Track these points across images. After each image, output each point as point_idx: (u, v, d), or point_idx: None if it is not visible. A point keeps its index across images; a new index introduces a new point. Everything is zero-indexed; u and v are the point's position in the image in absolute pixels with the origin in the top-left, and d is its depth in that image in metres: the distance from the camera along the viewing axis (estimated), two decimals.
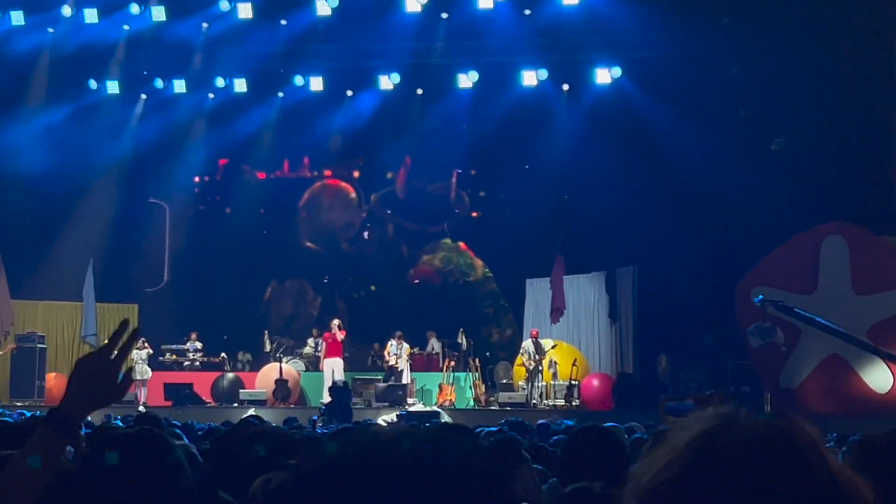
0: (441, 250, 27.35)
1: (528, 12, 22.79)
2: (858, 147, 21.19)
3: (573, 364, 21.96)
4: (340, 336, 23.23)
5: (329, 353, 23.13)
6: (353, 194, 27.98)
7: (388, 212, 27.60)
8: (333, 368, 22.72)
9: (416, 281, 27.09)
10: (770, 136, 22.15)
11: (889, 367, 18.29)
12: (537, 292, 24.38)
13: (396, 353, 23.05)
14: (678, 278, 22.04)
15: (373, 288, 27.32)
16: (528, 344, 22.55)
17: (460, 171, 26.88)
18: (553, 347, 22.29)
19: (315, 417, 16.79)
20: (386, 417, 19.04)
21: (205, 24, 24.24)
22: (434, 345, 24.46)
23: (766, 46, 21.50)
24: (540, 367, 22.07)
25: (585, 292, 23.87)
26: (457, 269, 27.25)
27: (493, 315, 26.74)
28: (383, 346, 23.64)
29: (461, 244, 27.28)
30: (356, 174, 27.80)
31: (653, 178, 22.50)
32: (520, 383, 22.55)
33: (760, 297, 9.70)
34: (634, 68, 23.27)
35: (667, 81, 22.61)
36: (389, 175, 27.46)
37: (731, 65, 22.12)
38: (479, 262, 27.18)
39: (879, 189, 21.23)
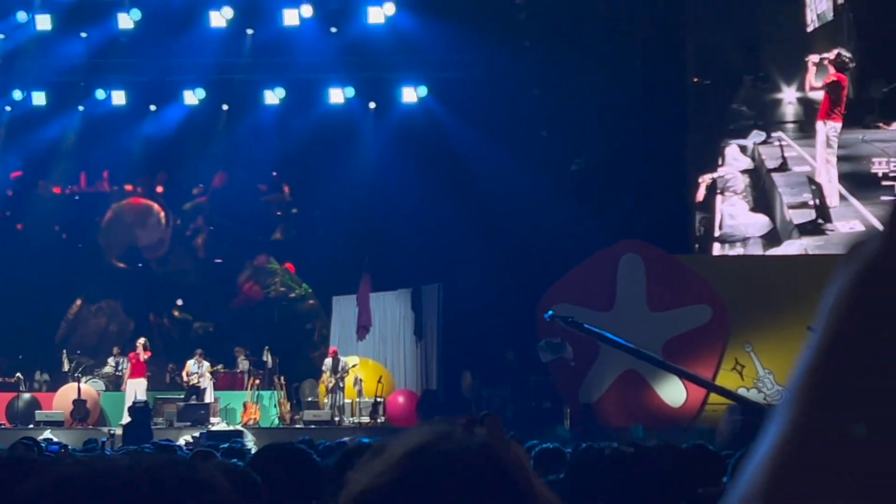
0: (259, 268, 27.03)
1: (334, 30, 22.84)
2: (654, 168, 21.85)
3: (378, 381, 22.02)
4: (145, 356, 22.79)
5: (133, 374, 22.65)
6: (160, 212, 27.45)
7: (198, 228, 27.15)
8: (136, 389, 22.27)
9: (237, 301, 26.69)
10: (570, 157, 22.66)
11: (682, 381, 18.90)
12: (344, 310, 24.38)
13: (197, 371, 22.71)
14: (482, 295, 22.31)
15: (179, 302, 26.81)
16: (328, 362, 22.56)
17: (268, 186, 26.66)
18: (354, 366, 22.31)
19: (105, 439, 16.43)
20: (186, 437, 18.77)
21: (0, 36, 23.52)
22: (242, 363, 24.18)
23: (566, 69, 22.03)
24: (341, 385, 22.08)
25: (391, 309, 23.97)
26: (276, 287, 26.95)
27: (310, 333, 26.56)
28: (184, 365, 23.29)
29: (281, 262, 26.99)
30: (160, 189, 27.27)
31: (458, 197, 22.76)
32: (324, 401, 22.51)
33: (550, 312, 9.86)
34: (440, 88, 23.52)
35: (471, 101, 22.92)
36: (196, 191, 27.04)
37: (533, 87, 22.58)
38: (299, 280, 26.95)
39: (674, 209, 21.97)
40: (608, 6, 21.66)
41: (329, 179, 25.34)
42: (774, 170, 22.41)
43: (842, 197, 21.68)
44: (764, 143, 22.58)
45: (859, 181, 21.79)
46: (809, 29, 22.57)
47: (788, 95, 22.60)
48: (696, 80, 22.19)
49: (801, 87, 22.55)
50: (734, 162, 22.53)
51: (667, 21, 22.03)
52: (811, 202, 21.81)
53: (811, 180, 21.92)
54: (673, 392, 19.39)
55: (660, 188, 21.85)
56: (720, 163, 22.32)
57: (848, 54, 21.73)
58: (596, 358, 19.45)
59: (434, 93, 23.57)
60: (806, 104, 22.37)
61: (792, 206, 22.02)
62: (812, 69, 21.90)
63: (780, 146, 22.57)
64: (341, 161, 24.97)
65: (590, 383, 19.74)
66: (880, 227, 0.90)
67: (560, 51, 21.91)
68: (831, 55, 21.81)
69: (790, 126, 22.53)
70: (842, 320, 0.90)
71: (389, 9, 22.07)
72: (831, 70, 21.70)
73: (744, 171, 22.66)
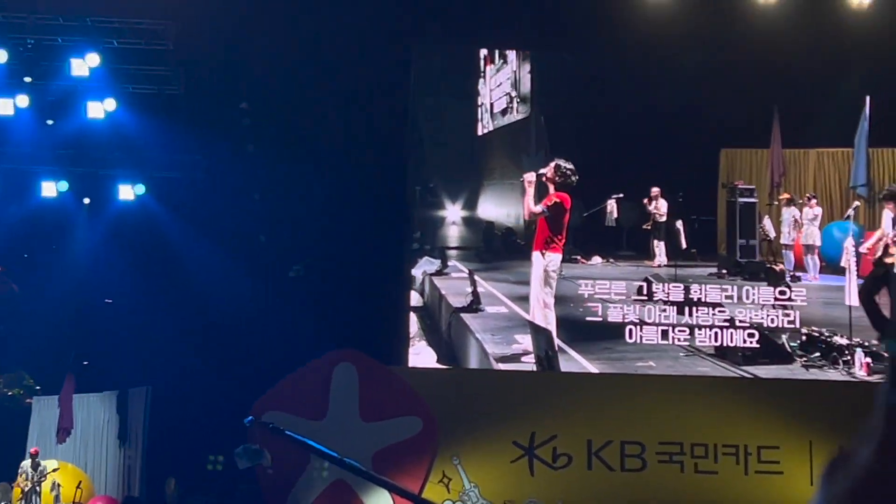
0: None
1: (50, 122, 22.18)
2: (372, 278, 22.05)
3: (77, 487, 21.15)
4: None
5: None
6: None
7: None
8: None
9: None
10: (289, 263, 22.64)
11: (390, 493, 18.92)
12: (44, 411, 23.35)
13: None
14: (192, 400, 21.85)
15: None
16: (25, 464, 21.51)
17: None
18: (54, 470, 21.37)
19: None
20: None
21: None
22: None
23: (288, 175, 22.10)
24: (38, 489, 21.08)
25: (95, 412, 23.12)
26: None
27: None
28: None
29: None
30: None
31: (173, 299, 22.34)
32: None
33: (249, 418, 9.58)
34: (159, 187, 23.12)
35: (191, 202, 22.65)
36: None
37: (254, 191, 22.53)
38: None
39: (390, 320, 22.17)
40: (333, 115, 21.92)
41: (38, 274, 24.41)
42: (462, 309, 21.38)
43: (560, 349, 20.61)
44: (438, 273, 21.97)
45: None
46: (481, 132, 22.56)
47: (452, 214, 22.10)
48: (417, 188, 22.53)
49: (468, 206, 22.05)
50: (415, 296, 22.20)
51: (388, 133, 22.42)
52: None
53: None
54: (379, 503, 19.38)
55: (378, 298, 22.05)
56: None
57: (569, 166, 19.92)
58: (305, 467, 19.30)
59: (152, 191, 23.15)
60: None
61: (498, 359, 20.86)
62: (529, 190, 20.01)
63: (472, 279, 21.45)
64: (52, 256, 24.13)
65: (297, 493, 19.51)
66: None
67: (283, 157, 21.99)
68: (548, 170, 20.01)
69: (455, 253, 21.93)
70: None
71: (110, 104, 21.65)
72: (551, 189, 19.91)
73: (416, 308, 21.91)
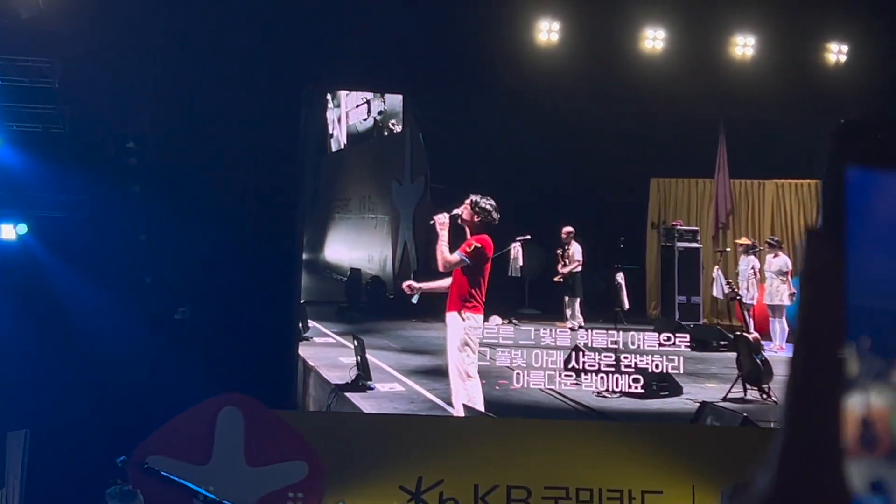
0: None
1: None
2: (259, 321, 21.89)
3: None
4: None
5: None
6: None
7: None
8: None
9: None
10: (175, 305, 22.38)
11: None
12: None
13: None
14: (75, 444, 21.46)
15: None
16: None
17: None
18: None
19: None
20: None
21: None
22: None
23: (176, 216, 21.90)
24: None
25: None
26: None
27: None
28: None
29: None
30: None
31: (52, 340, 21.93)
32: None
33: (122, 458, 9.50)
34: (42, 226, 22.71)
35: (75, 243, 22.30)
36: None
37: (140, 232, 22.26)
38: None
39: (277, 362, 22.01)
40: (220, 155, 21.80)
41: None
42: (345, 387, 19.64)
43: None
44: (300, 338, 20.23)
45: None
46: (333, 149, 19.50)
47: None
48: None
49: (312, 247, 19.30)
50: None
51: (279, 173, 22.32)
52: None
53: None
54: None
55: (265, 340, 21.88)
56: None
57: (489, 202, 16.98)
58: None
59: (35, 231, 22.72)
60: None
61: None
62: (442, 235, 17.07)
63: (359, 345, 18.77)
64: None
65: None
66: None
67: (169, 198, 21.80)
68: (463, 209, 16.95)
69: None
70: None
71: None
72: (468, 232, 17.11)
73: None
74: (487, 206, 16.68)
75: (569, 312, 18.47)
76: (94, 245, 22.21)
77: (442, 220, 16.72)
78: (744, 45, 19.74)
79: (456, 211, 16.91)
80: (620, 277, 18.02)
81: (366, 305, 19.21)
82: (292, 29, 21.64)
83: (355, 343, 18.18)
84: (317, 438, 19.99)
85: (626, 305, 18.16)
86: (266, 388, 21.02)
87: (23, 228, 22.86)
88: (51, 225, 22.69)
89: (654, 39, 19.33)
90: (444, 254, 16.76)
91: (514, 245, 17.76)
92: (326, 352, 19.83)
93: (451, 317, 17.19)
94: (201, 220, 21.85)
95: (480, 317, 17.22)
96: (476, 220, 16.71)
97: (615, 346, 19.76)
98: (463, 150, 19.24)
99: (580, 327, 18.23)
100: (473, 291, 16.82)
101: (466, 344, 17.25)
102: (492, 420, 20.59)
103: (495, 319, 18.33)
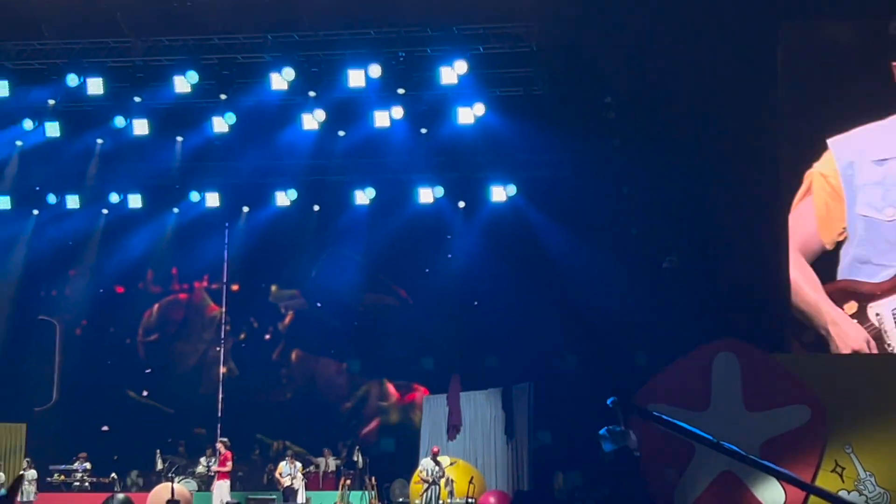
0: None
1: (424, 131, 23.01)
2: (748, 264, 21.57)
3: (470, 482, 21.81)
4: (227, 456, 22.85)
5: (220, 475, 22.72)
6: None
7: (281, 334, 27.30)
8: (221, 489, 22.34)
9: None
10: (661, 255, 22.48)
11: (781, 483, 18.45)
12: (434, 409, 24.27)
13: (290, 472, 22.70)
14: (574, 394, 22.10)
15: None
16: (426, 461, 22.37)
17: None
18: (451, 464, 22.14)
19: None
20: None
21: (99, 140, 24.02)
22: (330, 463, 24.14)
23: (656, 167, 21.94)
24: (438, 485, 21.90)
25: (482, 409, 23.80)
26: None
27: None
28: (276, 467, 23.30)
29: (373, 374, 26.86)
30: (235, 288, 27.41)
31: (548, 296, 22.67)
32: (416, 501, 22.32)
33: (612, 398, 9.51)
34: (529, 187, 23.54)
35: (560, 200, 22.91)
36: (295, 293, 27.28)
37: (623, 185, 22.51)
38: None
39: (769, 307, 21.60)
40: (697, 103, 21.57)
41: (418, 279, 25.42)
42: None
43: None
44: None
45: None
46: None
47: None
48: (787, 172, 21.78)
49: None
50: None
51: (757, 116, 21.81)
52: None
53: None
54: (771, 494, 18.90)
55: (755, 285, 21.53)
56: None
57: None
58: (691, 459, 19.08)
59: (523, 192, 23.59)
60: None
61: None
62: None
63: None
64: (431, 261, 25.04)
65: (685, 486, 19.31)
66: None
67: (650, 149, 21.83)
68: None
69: None
70: None
71: (479, 109, 22.17)
72: None
73: None
74: None
75: None
76: (578, 201, 22.70)
77: None
78: None
79: None
80: None
81: None
82: None
83: None
84: (816, 381, 19.44)
85: None
86: (761, 332, 20.69)
87: (512, 190, 23.80)
88: (537, 184, 23.45)
89: None
90: None
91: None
92: None
93: None
94: (681, 167, 21.73)
95: None
96: None
97: None
98: None
99: None
100: None
101: None
102: None
103: None
